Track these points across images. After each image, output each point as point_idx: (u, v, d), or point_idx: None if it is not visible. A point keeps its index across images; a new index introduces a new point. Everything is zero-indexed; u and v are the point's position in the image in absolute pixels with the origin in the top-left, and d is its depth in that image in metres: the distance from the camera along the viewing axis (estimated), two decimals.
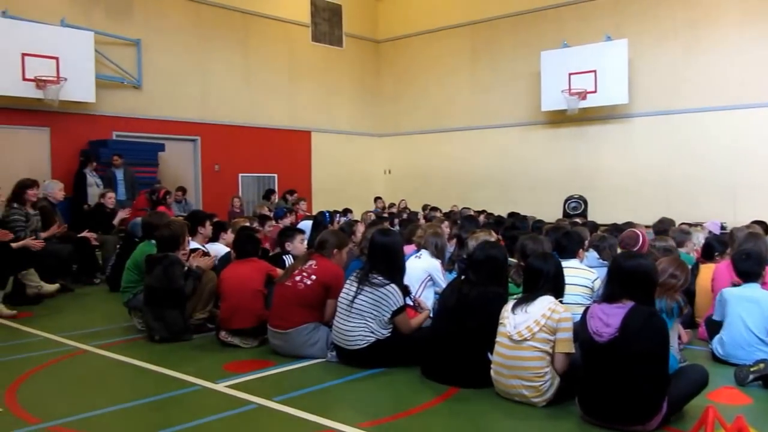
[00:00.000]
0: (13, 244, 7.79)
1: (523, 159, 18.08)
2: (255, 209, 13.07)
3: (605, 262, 6.37)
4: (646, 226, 9.06)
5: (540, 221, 9.91)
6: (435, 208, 14.50)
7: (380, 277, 5.24)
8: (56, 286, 8.46)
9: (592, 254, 6.75)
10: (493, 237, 6.83)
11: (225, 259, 6.99)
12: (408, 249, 6.86)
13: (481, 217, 11.78)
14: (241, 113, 17.47)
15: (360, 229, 8.56)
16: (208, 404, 4.58)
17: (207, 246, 7.33)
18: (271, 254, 7.05)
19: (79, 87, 13.69)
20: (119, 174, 13.45)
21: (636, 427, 3.89)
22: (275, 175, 18.25)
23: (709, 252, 6.94)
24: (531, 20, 17.93)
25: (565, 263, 5.37)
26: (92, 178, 12.99)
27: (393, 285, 5.22)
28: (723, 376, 4.97)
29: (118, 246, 9.64)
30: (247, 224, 7.98)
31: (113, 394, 4.81)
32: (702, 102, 15.18)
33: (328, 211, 12.13)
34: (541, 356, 4.29)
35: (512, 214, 12.01)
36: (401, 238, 6.02)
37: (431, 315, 5.73)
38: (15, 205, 8.63)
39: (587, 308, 4.19)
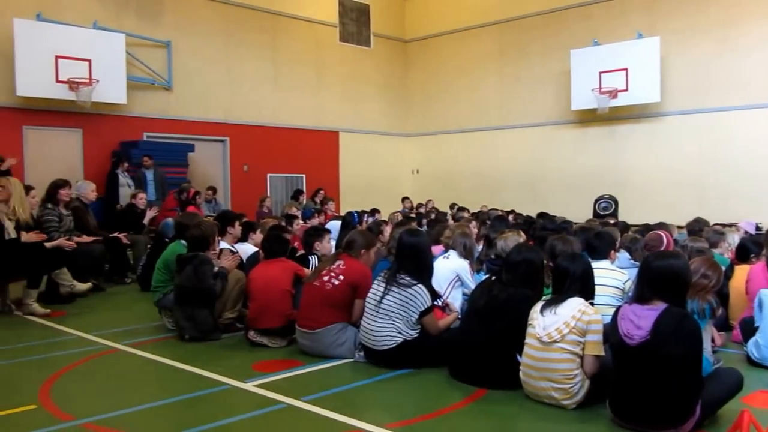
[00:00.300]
0: (47, 244, 7.91)
1: (553, 159, 17.94)
2: (284, 209, 13.13)
3: (637, 262, 6.29)
4: (679, 227, 8.95)
5: (567, 222, 9.82)
6: (463, 208, 14.44)
7: (408, 278, 5.22)
8: (89, 285, 8.57)
9: (624, 255, 6.67)
10: (522, 237, 6.78)
11: (253, 259, 7.02)
12: (436, 249, 6.85)
13: (510, 217, 11.72)
14: (270, 114, 17.56)
15: (387, 229, 8.55)
16: (237, 403, 4.61)
17: (236, 246, 7.38)
18: (297, 254, 7.05)
19: (111, 88, 13.85)
20: (149, 174, 13.59)
21: (668, 431, 3.83)
22: (303, 175, 18.32)
23: (743, 253, 6.80)
24: (560, 18, 17.79)
25: (596, 264, 5.32)
26: (124, 179, 13.14)
27: (421, 285, 5.21)
28: (758, 380, 4.89)
29: (148, 246, 9.74)
30: (277, 224, 8.02)
31: (144, 392, 4.86)
32: (735, 100, 14.95)
33: (357, 212, 12.13)
34: (570, 358, 4.25)
35: (542, 215, 11.92)
36: (429, 239, 6.00)
37: (459, 316, 5.71)
38: (49, 205, 8.76)
39: (618, 310, 4.13)
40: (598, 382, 4.26)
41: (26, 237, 7.44)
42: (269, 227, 7.48)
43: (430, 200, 17.15)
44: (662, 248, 6.31)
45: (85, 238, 9.01)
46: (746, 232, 8.47)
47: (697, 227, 8.50)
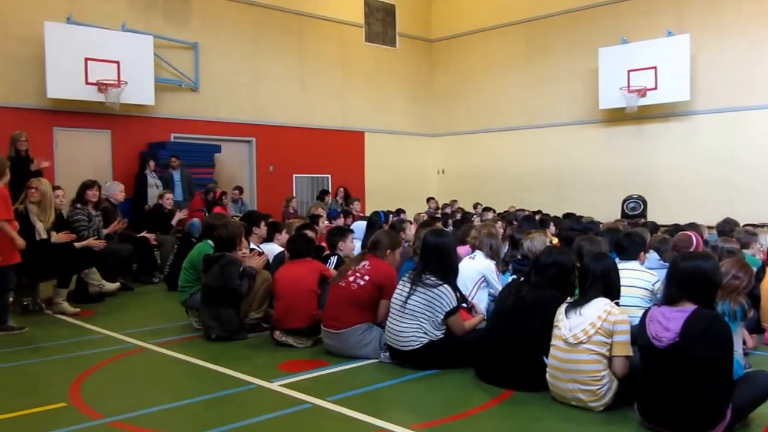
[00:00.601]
0: (77, 244, 8.00)
1: (580, 158, 17.78)
2: (309, 210, 13.17)
3: (666, 263, 6.21)
4: (709, 227, 8.83)
5: (593, 222, 9.72)
6: (488, 208, 14.37)
7: (433, 278, 5.20)
8: (117, 285, 8.66)
9: (653, 256, 6.59)
10: (548, 238, 6.72)
11: (279, 260, 7.04)
12: (462, 250, 6.83)
13: (537, 218, 11.64)
14: (295, 114, 17.61)
15: (411, 228, 8.55)
16: (262, 403, 4.62)
17: (261, 246, 7.41)
18: (324, 254, 7.05)
19: (139, 90, 13.98)
20: (176, 175, 13.69)
21: None
22: (329, 175, 18.35)
23: None
24: (588, 16, 17.63)
25: (625, 265, 5.27)
26: (152, 179, 13.25)
27: (446, 285, 5.19)
28: None
29: (175, 246, 9.81)
30: (304, 224, 8.04)
31: (171, 391, 4.89)
32: (767, 99, 14.70)
33: (383, 212, 12.12)
34: (597, 359, 4.20)
35: (568, 215, 11.83)
36: (454, 239, 5.98)
37: (485, 318, 5.68)
38: (78, 205, 8.86)
39: (646, 312, 4.08)
40: (626, 384, 4.20)
41: (56, 237, 7.54)
42: (296, 227, 7.51)
43: (455, 200, 17.09)
44: (691, 249, 6.21)
45: (114, 225, 9.06)
46: None
47: (727, 228, 8.38)
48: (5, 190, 6.63)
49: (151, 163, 13.42)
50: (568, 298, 4.61)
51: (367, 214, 13.61)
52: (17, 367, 5.58)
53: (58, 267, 7.52)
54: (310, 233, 6.99)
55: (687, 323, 3.76)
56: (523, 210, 13.85)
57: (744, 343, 5.17)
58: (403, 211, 13.09)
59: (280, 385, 4.90)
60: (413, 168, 20.61)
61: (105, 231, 8.83)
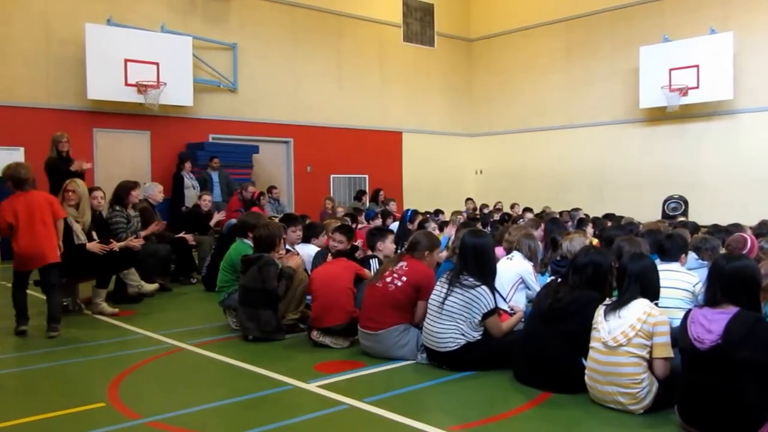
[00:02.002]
0: (116, 245, 8.07)
1: (620, 158, 17.57)
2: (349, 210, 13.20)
3: (705, 262, 6.07)
4: (750, 228, 8.62)
5: (631, 223, 9.55)
6: (528, 209, 14.22)
7: (471, 279, 5.15)
8: (155, 285, 8.73)
9: (692, 255, 6.44)
10: (588, 238, 6.62)
11: (319, 259, 7.05)
12: (498, 251, 6.76)
13: (577, 217, 11.47)
14: (333, 114, 17.67)
15: (449, 230, 8.51)
16: (300, 404, 4.61)
17: (297, 247, 7.42)
18: (360, 257, 7.00)
19: (178, 91, 14.15)
20: (215, 176, 13.79)
21: None
22: (366, 175, 18.38)
23: None
24: (629, 14, 17.41)
25: (665, 266, 5.17)
26: (189, 180, 13.37)
27: (484, 287, 5.13)
28: None
29: (212, 247, 9.87)
30: (343, 223, 8.03)
31: (208, 392, 4.91)
32: None
33: (411, 210, 12.08)
34: (637, 362, 4.12)
35: (608, 216, 11.65)
36: (492, 240, 5.91)
37: (524, 318, 5.60)
38: (117, 207, 8.94)
39: (687, 313, 3.99)
40: (667, 386, 4.13)
41: (90, 246, 7.54)
42: (333, 228, 7.50)
43: (499, 202, 16.88)
44: (745, 251, 6.03)
45: (152, 227, 9.14)
46: None
47: (764, 230, 8.17)
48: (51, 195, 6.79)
49: (187, 164, 13.54)
50: (607, 299, 4.52)
51: None
52: (57, 367, 5.64)
53: (97, 268, 7.59)
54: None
55: (730, 325, 3.68)
56: (576, 210, 13.56)
57: None
58: (441, 212, 13.03)
59: (317, 386, 4.88)
60: (451, 168, 20.54)
61: (143, 233, 8.89)
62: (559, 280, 4.99)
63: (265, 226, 6.68)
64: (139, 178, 10.80)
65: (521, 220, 12.06)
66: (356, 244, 7.38)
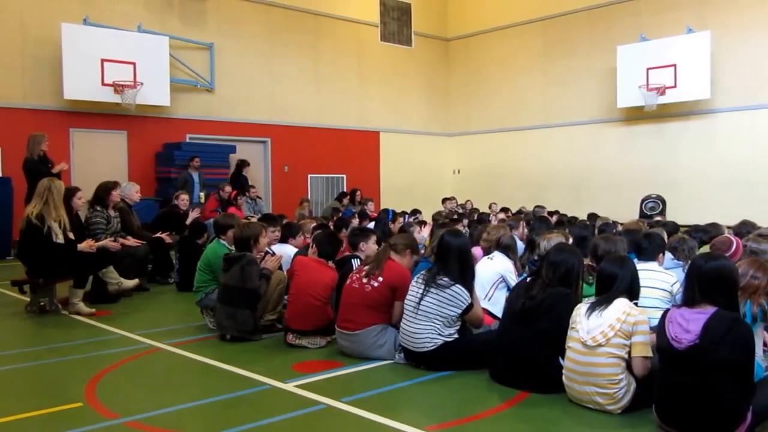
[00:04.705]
0: (93, 244, 8.01)
1: (598, 158, 17.69)
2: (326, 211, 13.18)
3: (680, 262, 6.13)
4: (728, 227, 8.71)
5: (607, 224, 9.60)
6: (504, 209, 14.29)
7: (446, 278, 5.16)
8: (135, 281, 8.68)
9: (667, 255, 6.50)
10: (566, 238, 6.65)
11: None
12: (476, 251, 6.78)
13: (554, 218, 11.52)
14: (311, 114, 17.65)
15: (425, 230, 8.53)
16: (277, 404, 4.61)
17: (274, 248, 7.40)
18: (340, 257, 6.98)
19: (155, 91, 14.07)
20: (195, 176, 13.71)
21: None
22: (344, 175, 18.38)
23: None
24: (606, 14, 17.54)
25: (643, 266, 5.20)
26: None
27: (458, 285, 5.13)
28: None
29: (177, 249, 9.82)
30: (321, 224, 8.02)
31: (186, 392, 4.89)
32: None
33: (392, 210, 12.07)
34: (616, 362, 4.15)
35: (591, 216, 11.64)
36: (469, 240, 5.93)
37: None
38: (98, 207, 8.89)
39: (665, 313, 4.01)
40: (645, 386, 4.15)
41: (81, 246, 7.58)
42: (312, 227, 7.49)
43: (469, 201, 17.01)
44: (730, 253, 6.06)
45: (131, 241, 9.12)
46: None
47: (744, 230, 8.24)
48: None
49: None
50: (586, 299, 4.55)
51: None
52: (34, 367, 5.61)
53: (75, 267, 7.54)
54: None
55: (708, 325, 3.70)
56: (543, 207, 13.72)
57: (765, 344, 5.08)
58: (419, 212, 13.06)
59: (295, 386, 4.88)
60: (428, 168, 20.58)
61: (122, 240, 8.84)
62: (529, 279, 5.02)
63: (245, 225, 6.66)
64: (116, 178, 10.68)
65: (490, 217, 12.12)
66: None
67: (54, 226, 7.34)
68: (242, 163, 15.19)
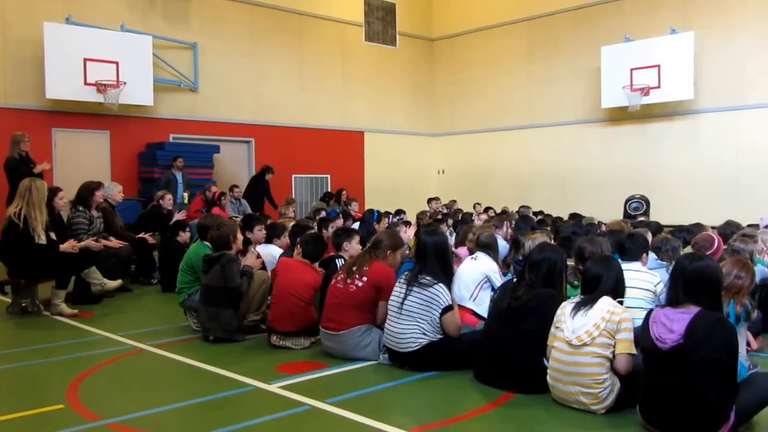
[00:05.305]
0: (76, 244, 7.95)
1: (582, 158, 17.75)
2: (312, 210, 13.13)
3: (663, 262, 6.16)
4: (712, 227, 8.77)
5: (592, 224, 9.64)
6: (488, 208, 14.30)
7: (429, 278, 5.16)
8: (119, 282, 8.63)
9: (651, 255, 6.53)
10: (550, 238, 6.67)
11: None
12: (462, 251, 6.78)
13: (537, 218, 11.55)
14: (295, 114, 17.61)
15: (410, 230, 8.53)
16: (261, 405, 4.59)
17: (259, 248, 7.37)
18: (324, 258, 6.95)
19: (138, 90, 13.98)
20: (179, 176, 13.64)
21: None
22: (328, 175, 18.34)
23: None
24: (591, 14, 17.60)
25: (627, 266, 5.21)
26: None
27: (441, 284, 5.14)
28: None
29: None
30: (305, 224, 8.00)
31: (169, 393, 4.86)
32: None
33: (377, 210, 12.05)
34: (600, 362, 4.15)
35: (573, 216, 11.72)
36: (447, 238, 5.92)
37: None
38: (80, 208, 8.83)
39: (649, 313, 4.02)
40: (629, 386, 4.16)
41: (63, 246, 7.53)
42: (293, 225, 7.47)
43: (454, 201, 17.01)
44: (712, 251, 6.10)
45: (114, 242, 9.06)
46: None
47: (728, 231, 8.29)
48: None
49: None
50: (571, 298, 4.55)
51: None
52: (15, 369, 5.55)
53: (57, 268, 7.48)
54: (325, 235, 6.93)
55: (692, 325, 3.71)
56: (528, 207, 13.75)
57: (748, 344, 5.12)
58: (403, 212, 13.03)
59: (279, 387, 4.86)
60: (413, 168, 20.58)
61: (104, 241, 8.78)
62: (515, 279, 5.02)
63: (218, 226, 6.62)
64: (99, 178, 10.59)
65: (474, 217, 12.14)
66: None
67: (36, 226, 7.28)
68: (266, 169, 15.08)
